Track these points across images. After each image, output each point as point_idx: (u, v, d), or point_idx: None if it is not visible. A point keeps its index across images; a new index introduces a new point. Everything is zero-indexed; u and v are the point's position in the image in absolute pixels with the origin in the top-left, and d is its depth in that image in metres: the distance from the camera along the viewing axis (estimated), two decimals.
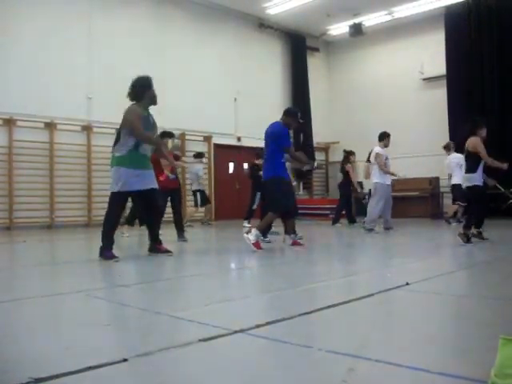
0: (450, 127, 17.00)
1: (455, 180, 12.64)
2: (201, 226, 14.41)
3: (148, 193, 6.52)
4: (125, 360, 2.33)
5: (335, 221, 13.65)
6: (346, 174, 13.86)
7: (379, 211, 10.85)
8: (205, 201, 14.63)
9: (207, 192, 15.88)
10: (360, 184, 14.39)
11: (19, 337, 2.93)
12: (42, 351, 2.58)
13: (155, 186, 6.65)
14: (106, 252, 6.22)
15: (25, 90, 13.34)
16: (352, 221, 13.65)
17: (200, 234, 12.09)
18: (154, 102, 6.68)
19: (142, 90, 6.55)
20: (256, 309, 3.55)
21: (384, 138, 11.07)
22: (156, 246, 6.80)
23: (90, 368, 2.24)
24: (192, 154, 15.84)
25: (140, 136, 6.38)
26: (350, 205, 14.02)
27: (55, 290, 4.49)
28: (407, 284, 4.22)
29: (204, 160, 15.29)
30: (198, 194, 14.33)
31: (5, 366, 2.33)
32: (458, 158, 12.35)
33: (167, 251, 6.76)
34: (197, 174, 14.45)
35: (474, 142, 8.05)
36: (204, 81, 17.03)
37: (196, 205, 14.49)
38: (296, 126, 8.15)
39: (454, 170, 12.88)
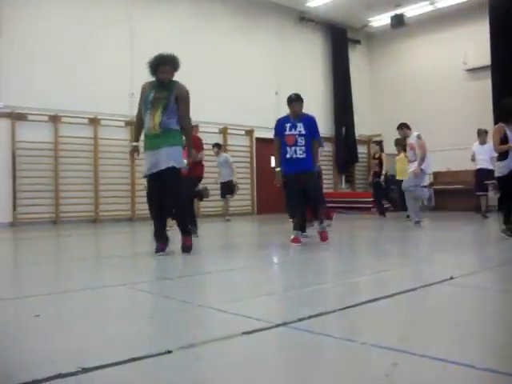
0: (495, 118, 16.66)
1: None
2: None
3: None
4: (169, 352, 2.36)
5: (381, 212, 13.65)
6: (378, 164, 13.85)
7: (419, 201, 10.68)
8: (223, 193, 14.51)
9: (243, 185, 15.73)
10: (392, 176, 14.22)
11: (66, 327, 3.00)
12: (88, 342, 2.63)
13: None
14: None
15: (69, 88, 13.59)
16: (382, 213, 13.56)
17: (240, 228, 12.14)
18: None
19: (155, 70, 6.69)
20: (298, 302, 3.54)
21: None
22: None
23: (134, 359, 2.27)
24: (235, 148, 15.93)
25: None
26: (380, 196, 13.91)
27: (100, 283, 4.56)
28: (451, 278, 4.16)
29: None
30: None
31: (53, 356, 2.38)
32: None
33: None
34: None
35: (493, 130, 7.85)
36: (245, 75, 17.06)
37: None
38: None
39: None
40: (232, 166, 14.25)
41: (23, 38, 13.23)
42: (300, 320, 2.89)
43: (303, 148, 7.31)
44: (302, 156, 7.28)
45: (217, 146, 14.38)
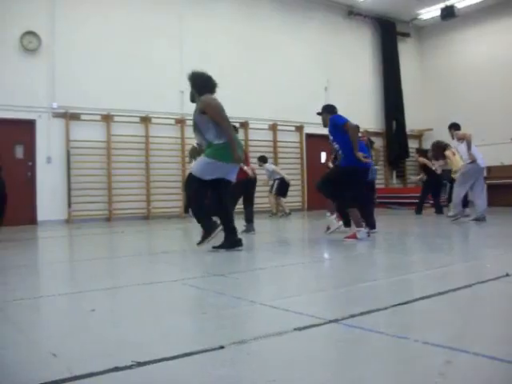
0: None
1: None
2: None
3: None
4: (221, 347, 2.38)
5: (419, 210, 13.40)
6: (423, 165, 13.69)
7: (460, 195, 10.35)
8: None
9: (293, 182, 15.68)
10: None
11: (121, 322, 3.07)
12: (143, 336, 2.68)
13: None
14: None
15: (121, 87, 13.84)
16: (439, 210, 13.29)
17: (291, 224, 12.14)
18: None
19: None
20: (350, 299, 3.52)
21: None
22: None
23: (187, 354, 2.31)
24: (285, 144, 15.94)
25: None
26: (437, 193, 13.64)
27: (153, 279, 4.64)
28: (507, 275, 4.07)
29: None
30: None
31: (109, 350, 2.44)
32: None
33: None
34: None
35: None
36: (294, 72, 17.02)
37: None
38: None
39: None
40: (277, 171, 14.24)
41: (76, 41, 13.52)
42: (352, 316, 2.88)
43: (340, 152, 7.46)
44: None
45: (261, 159, 14.31)
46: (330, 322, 2.81)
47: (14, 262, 6.12)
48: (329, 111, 7.83)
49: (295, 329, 2.67)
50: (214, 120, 6.21)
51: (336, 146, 7.53)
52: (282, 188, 14.21)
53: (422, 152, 14.77)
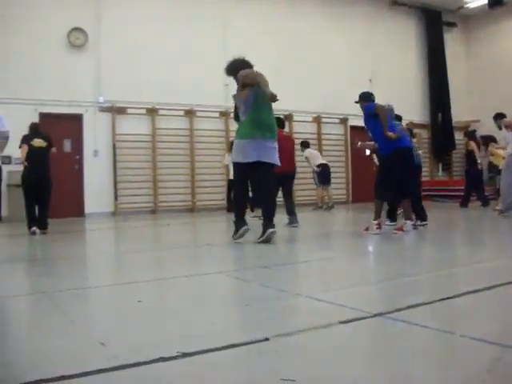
0: None
1: None
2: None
3: None
4: (266, 339, 2.39)
5: (464, 203, 13.08)
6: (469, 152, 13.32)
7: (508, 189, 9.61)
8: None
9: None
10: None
11: (167, 313, 3.11)
12: (188, 327, 2.71)
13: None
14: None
15: (165, 81, 13.93)
16: (485, 203, 12.96)
17: (335, 217, 12.08)
18: None
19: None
20: (395, 292, 3.49)
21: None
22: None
23: (232, 346, 2.32)
24: (329, 137, 15.88)
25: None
26: (480, 185, 13.31)
27: (197, 271, 4.67)
28: None
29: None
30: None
31: (155, 340, 2.47)
32: None
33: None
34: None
35: None
36: (338, 63, 16.87)
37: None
38: None
39: None
40: (314, 158, 14.12)
41: (122, 36, 13.68)
42: (397, 310, 2.85)
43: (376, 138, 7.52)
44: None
45: (303, 144, 14.24)
46: (375, 315, 2.79)
47: (63, 253, 6.25)
48: (365, 99, 7.67)
49: (340, 322, 2.66)
50: (246, 82, 6.35)
51: (370, 135, 7.45)
52: (323, 177, 14.11)
53: (471, 135, 14.12)
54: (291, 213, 8.81)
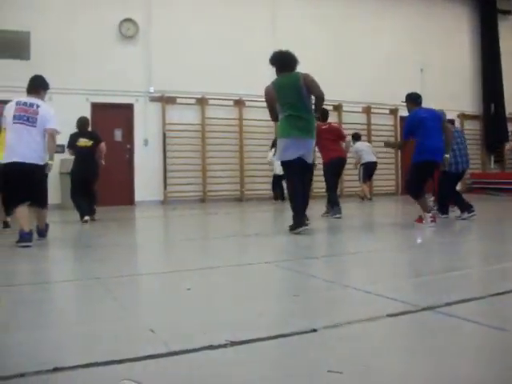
0: None
1: None
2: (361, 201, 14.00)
3: None
4: (314, 330, 2.39)
5: None
6: None
7: None
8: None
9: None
10: None
11: (215, 302, 3.14)
12: (236, 316, 2.73)
13: None
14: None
15: (215, 71, 13.98)
16: None
17: (383, 208, 11.97)
18: None
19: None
20: (444, 286, 3.42)
21: None
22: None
23: (281, 335, 2.34)
24: (378, 127, 15.72)
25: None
26: None
27: (246, 260, 4.70)
28: None
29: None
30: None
31: (204, 328, 2.50)
32: None
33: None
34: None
35: None
36: (388, 53, 16.60)
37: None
38: None
39: None
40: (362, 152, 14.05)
41: (172, 26, 13.80)
42: (447, 305, 2.81)
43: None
44: None
45: (353, 137, 14.21)
46: (424, 309, 2.75)
47: (114, 240, 6.37)
48: (411, 100, 7.59)
49: (388, 315, 2.64)
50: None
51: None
52: (366, 172, 14.06)
53: None
54: (335, 203, 8.73)
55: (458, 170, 8.02)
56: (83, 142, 8.99)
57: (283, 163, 6.51)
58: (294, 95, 6.42)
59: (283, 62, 6.67)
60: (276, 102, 6.54)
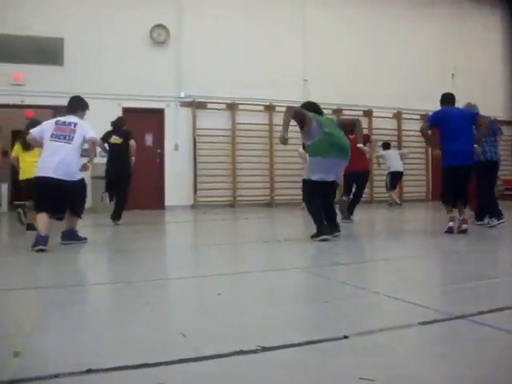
0: None
1: None
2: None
3: None
4: (345, 337, 2.38)
5: None
6: None
7: None
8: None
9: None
10: None
11: (246, 307, 3.14)
12: (267, 322, 2.73)
13: None
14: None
15: (245, 76, 14.05)
16: None
17: (413, 214, 11.86)
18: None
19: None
20: (477, 294, 3.38)
21: None
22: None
23: (312, 342, 2.33)
24: (409, 133, 15.63)
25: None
26: None
27: (276, 266, 4.70)
28: None
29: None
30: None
31: (234, 333, 2.51)
32: None
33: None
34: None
35: None
36: (419, 58, 16.46)
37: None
38: None
39: None
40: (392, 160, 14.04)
41: (202, 32, 13.91)
42: (480, 313, 2.76)
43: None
44: None
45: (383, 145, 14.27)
46: (457, 317, 2.72)
47: (146, 244, 6.42)
48: (441, 100, 7.48)
49: (420, 323, 2.62)
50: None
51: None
52: (392, 181, 14.03)
53: None
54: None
55: (487, 158, 7.84)
56: (114, 139, 9.25)
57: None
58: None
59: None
60: (304, 121, 6.45)
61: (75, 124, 6.23)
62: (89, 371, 1.98)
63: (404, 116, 16.50)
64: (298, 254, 5.51)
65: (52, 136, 6.10)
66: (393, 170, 13.99)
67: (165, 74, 13.66)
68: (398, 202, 14.07)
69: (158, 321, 2.81)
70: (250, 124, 14.40)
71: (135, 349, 2.30)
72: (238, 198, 14.29)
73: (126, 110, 13.07)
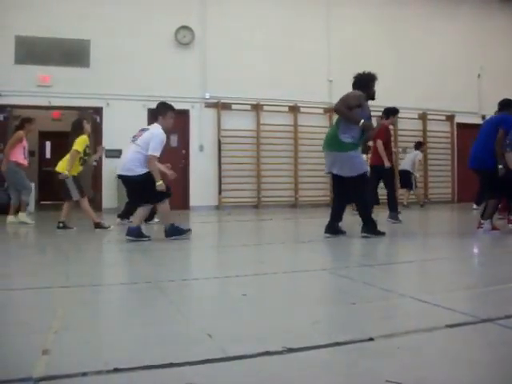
0: None
1: None
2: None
3: None
4: (371, 339, 2.37)
5: None
6: None
7: None
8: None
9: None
10: None
11: (271, 308, 3.14)
12: (292, 323, 2.73)
13: None
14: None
15: (270, 77, 14.07)
16: None
17: (439, 216, 11.77)
18: (372, 97, 6.97)
19: (366, 83, 6.93)
20: (504, 298, 3.33)
21: None
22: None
23: (337, 344, 2.32)
24: (434, 134, 15.52)
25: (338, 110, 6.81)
26: None
27: (301, 267, 4.70)
28: None
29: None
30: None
31: (260, 334, 2.51)
32: None
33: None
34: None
35: None
36: (445, 58, 16.31)
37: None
38: None
39: None
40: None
41: (227, 34, 13.94)
42: (507, 317, 2.73)
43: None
44: None
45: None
46: (484, 321, 2.69)
47: (171, 244, 6.44)
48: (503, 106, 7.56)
49: (447, 325, 2.59)
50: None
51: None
52: (400, 180, 13.93)
53: None
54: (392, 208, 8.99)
55: None
56: None
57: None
58: None
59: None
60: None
61: (147, 130, 6.77)
62: (116, 370, 2.00)
63: (429, 117, 16.36)
64: (323, 255, 5.51)
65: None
66: (399, 169, 13.81)
67: (190, 75, 13.72)
68: (405, 204, 13.87)
69: (183, 321, 2.82)
70: (275, 125, 14.39)
71: (162, 348, 2.31)
72: (263, 199, 14.30)
73: (151, 112, 13.15)
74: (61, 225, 8.01)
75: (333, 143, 6.69)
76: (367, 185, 7.00)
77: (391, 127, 10.03)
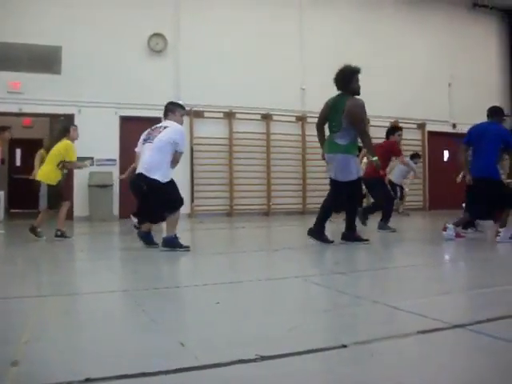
0: None
1: None
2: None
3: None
4: (344, 346, 2.37)
5: None
6: None
7: None
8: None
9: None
10: None
11: (245, 316, 3.13)
12: (266, 331, 2.72)
13: None
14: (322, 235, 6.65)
15: (242, 85, 14.08)
16: None
17: (412, 223, 11.87)
18: (357, 92, 6.78)
19: (350, 79, 6.74)
20: (476, 304, 3.39)
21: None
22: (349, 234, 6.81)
23: (311, 351, 2.32)
24: (406, 142, 15.63)
25: (365, 132, 6.75)
26: None
27: (275, 275, 4.70)
28: None
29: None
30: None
31: (233, 342, 2.50)
32: None
33: (362, 239, 6.76)
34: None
35: None
36: (416, 66, 16.52)
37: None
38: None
39: None
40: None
41: (199, 41, 13.95)
42: (478, 323, 2.76)
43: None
44: None
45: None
46: (456, 326, 2.71)
47: (142, 252, 6.39)
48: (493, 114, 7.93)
49: (419, 332, 2.61)
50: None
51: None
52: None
53: None
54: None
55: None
56: None
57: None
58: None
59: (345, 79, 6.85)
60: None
61: (165, 127, 6.70)
62: (87, 380, 1.97)
63: (401, 125, 16.47)
64: (297, 263, 5.50)
65: (145, 141, 6.82)
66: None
67: (162, 83, 13.66)
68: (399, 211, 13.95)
69: (156, 330, 2.79)
70: (247, 133, 14.40)
71: (134, 358, 2.29)
72: (235, 207, 14.29)
73: (123, 119, 13.08)
74: (58, 233, 7.82)
75: (329, 145, 6.76)
76: (357, 191, 7.02)
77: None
